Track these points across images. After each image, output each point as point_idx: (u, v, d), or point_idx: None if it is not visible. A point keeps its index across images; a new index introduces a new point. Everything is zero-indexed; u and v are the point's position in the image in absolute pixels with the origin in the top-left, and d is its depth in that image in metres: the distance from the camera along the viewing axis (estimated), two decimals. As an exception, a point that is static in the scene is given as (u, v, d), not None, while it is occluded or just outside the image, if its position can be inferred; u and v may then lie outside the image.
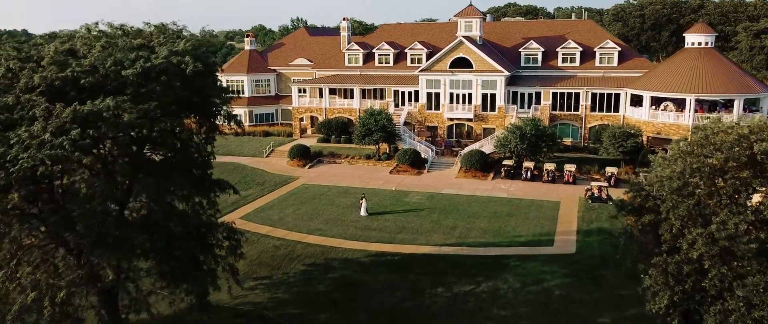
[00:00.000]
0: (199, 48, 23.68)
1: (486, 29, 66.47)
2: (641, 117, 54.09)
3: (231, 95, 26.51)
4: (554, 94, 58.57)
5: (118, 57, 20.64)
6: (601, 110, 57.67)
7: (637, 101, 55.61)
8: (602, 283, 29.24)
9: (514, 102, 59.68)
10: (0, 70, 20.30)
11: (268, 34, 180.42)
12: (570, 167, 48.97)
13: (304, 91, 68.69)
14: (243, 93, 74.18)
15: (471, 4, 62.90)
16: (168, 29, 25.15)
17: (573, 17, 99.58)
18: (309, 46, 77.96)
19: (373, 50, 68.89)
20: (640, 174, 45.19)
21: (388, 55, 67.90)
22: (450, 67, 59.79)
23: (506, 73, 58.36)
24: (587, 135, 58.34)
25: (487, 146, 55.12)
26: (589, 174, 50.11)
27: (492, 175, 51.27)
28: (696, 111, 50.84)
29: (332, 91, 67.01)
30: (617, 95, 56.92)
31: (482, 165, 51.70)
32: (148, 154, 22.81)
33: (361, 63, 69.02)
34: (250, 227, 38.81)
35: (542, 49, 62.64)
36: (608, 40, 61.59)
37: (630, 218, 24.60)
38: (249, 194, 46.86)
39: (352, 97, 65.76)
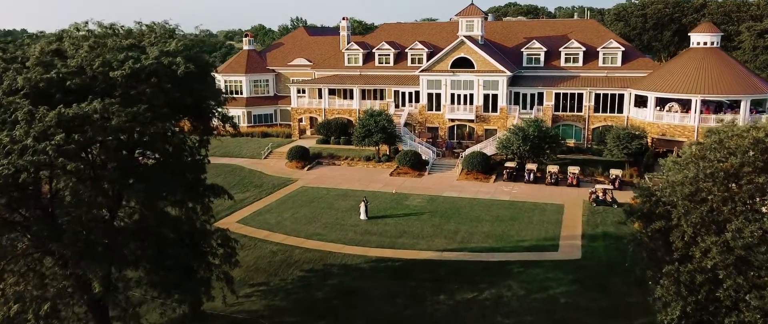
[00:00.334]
0: (192, 48, 22.76)
1: (487, 29, 65.57)
2: (646, 118, 53.19)
3: (225, 96, 25.59)
4: (557, 95, 57.69)
5: (107, 58, 19.74)
6: (604, 111, 56.79)
7: (641, 102, 54.72)
8: (609, 291, 28.37)
9: (516, 103, 58.80)
10: None
11: (267, 34, 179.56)
12: (573, 169, 48.08)
13: (303, 92, 67.80)
14: (241, 93, 73.30)
15: (472, 4, 62.03)
16: (164, 27, 24.25)
17: (576, 16, 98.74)
18: (308, 46, 77.09)
19: (373, 50, 68.01)
20: (649, 178, 44.38)
21: (389, 55, 67.02)
22: (451, 67, 58.93)
23: (508, 73, 57.49)
24: (590, 136, 57.45)
25: (489, 148, 54.25)
26: (593, 176, 49.24)
27: (494, 177, 50.39)
28: (702, 112, 49.95)
29: (332, 92, 66.14)
30: (621, 96, 56.04)
31: (484, 167, 50.82)
32: (140, 158, 21.96)
33: (360, 63, 68.14)
34: (247, 231, 37.96)
35: (544, 49, 61.76)
36: (612, 40, 60.73)
37: (639, 224, 23.74)
38: (246, 197, 46.00)
39: (351, 97, 64.89)
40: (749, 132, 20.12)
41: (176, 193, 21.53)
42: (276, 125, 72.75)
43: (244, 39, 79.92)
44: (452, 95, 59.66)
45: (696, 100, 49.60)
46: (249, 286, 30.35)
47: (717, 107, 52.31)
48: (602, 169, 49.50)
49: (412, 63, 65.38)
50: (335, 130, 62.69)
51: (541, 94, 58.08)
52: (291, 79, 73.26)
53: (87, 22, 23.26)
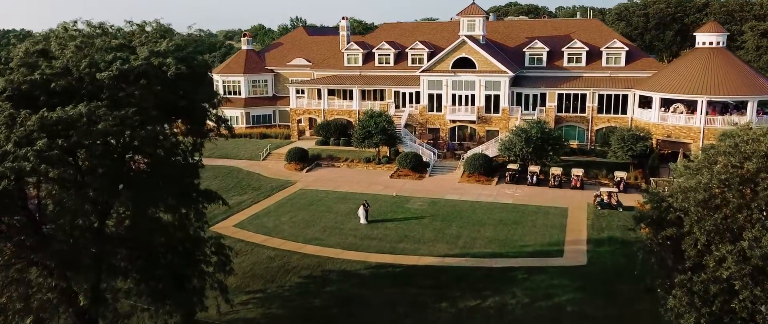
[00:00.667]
0: (184, 48, 21.84)
1: (489, 28, 64.66)
2: (650, 119, 52.28)
3: (221, 97, 24.66)
4: (560, 96, 56.81)
5: (94, 58, 18.84)
6: (608, 112, 55.90)
7: (645, 103, 53.82)
8: (617, 298, 27.47)
9: (519, 103, 57.91)
10: None
11: (267, 34, 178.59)
12: (577, 171, 47.18)
13: (303, 92, 66.90)
14: (240, 94, 72.42)
15: (474, 3, 61.14)
16: (155, 26, 23.33)
17: (578, 16, 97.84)
18: (307, 46, 76.19)
19: (373, 50, 67.10)
20: (656, 182, 43.52)
21: (389, 55, 66.12)
22: (452, 67, 58.05)
23: (510, 73, 56.61)
24: (594, 138, 56.55)
25: (491, 149, 53.35)
26: (597, 178, 48.36)
27: (496, 179, 49.51)
28: (707, 113, 49.05)
29: (331, 92, 65.26)
30: (625, 96, 55.14)
31: (486, 169, 49.93)
32: (132, 163, 21.06)
33: (360, 63, 67.25)
34: (244, 236, 37.10)
35: (547, 49, 60.87)
36: (615, 40, 59.84)
37: (649, 230, 22.86)
38: (244, 200, 45.11)
39: (351, 98, 64.00)
40: (766, 136, 19.30)
41: (168, 199, 20.62)
42: (275, 126, 71.84)
43: (242, 39, 79.00)
44: (453, 96, 58.78)
45: (702, 101, 48.69)
46: (245, 293, 29.46)
47: (723, 108, 51.42)
48: (606, 172, 48.61)
49: (412, 63, 64.49)
50: (335, 131, 61.80)
51: (543, 95, 57.20)
52: (290, 79, 72.37)
53: (76, 22, 22.37)
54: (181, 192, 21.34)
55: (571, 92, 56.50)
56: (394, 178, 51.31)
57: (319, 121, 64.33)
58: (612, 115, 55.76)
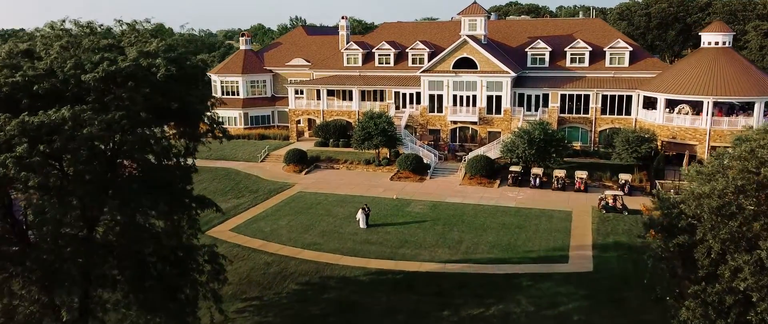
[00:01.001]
0: (176, 48, 20.95)
1: (490, 28, 63.75)
2: (655, 120, 51.39)
3: (216, 99, 23.78)
4: (563, 96, 55.93)
5: (80, 59, 17.95)
6: (612, 113, 55.03)
7: (650, 103, 52.93)
8: (625, 307, 26.60)
9: (521, 104, 57.04)
10: None
11: (266, 34, 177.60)
12: (581, 174, 46.28)
13: (302, 93, 66.03)
14: (238, 94, 71.54)
15: (475, 2, 60.27)
16: (154, 26, 22.46)
17: (581, 15, 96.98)
18: (306, 46, 75.29)
19: (373, 50, 66.21)
20: (666, 186, 42.61)
21: (389, 55, 65.24)
22: (453, 67, 57.18)
23: (512, 74, 55.74)
24: (597, 139, 55.68)
25: (492, 151, 52.49)
26: (601, 181, 47.50)
27: (498, 181, 48.64)
28: (713, 114, 48.17)
29: (330, 93, 64.39)
30: (629, 97, 54.26)
31: (488, 171, 49.06)
32: (123, 169, 20.18)
33: (360, 63, 66.36)
34: (241, 240, 36.23)
35: (549, 49, 59.99)
36: (619, 40, 58.95)
37: (659, 237, 21.98)
38: (241, 203, 44.23)
39: (350, 98, 63.12)
40: (785, 140, 18.44)
41: (159, 206, 19.73)
42: (273, 127, 70.95)
43: (241, 39, 78.10)
44: (454, 96, 57.92)
45: (708, 101, 47.81)
46: (241, 301, 28.59)
47: (729, 109, 50.56)
48: (610, 174, 47.72)
49: (412, 63, 63.61)
50: (334, 132, 60.92)
51: (546, 96, 56.33)
52: (289, 79, 71.47)
53: (64, 21, 21.49)
54: (173, 198, 20.46)
55: (574, 93, 55.65)
56: (394, 181, 50.45)
57: (319, 121, 63.45)
58: (616, 116, 54.90)
